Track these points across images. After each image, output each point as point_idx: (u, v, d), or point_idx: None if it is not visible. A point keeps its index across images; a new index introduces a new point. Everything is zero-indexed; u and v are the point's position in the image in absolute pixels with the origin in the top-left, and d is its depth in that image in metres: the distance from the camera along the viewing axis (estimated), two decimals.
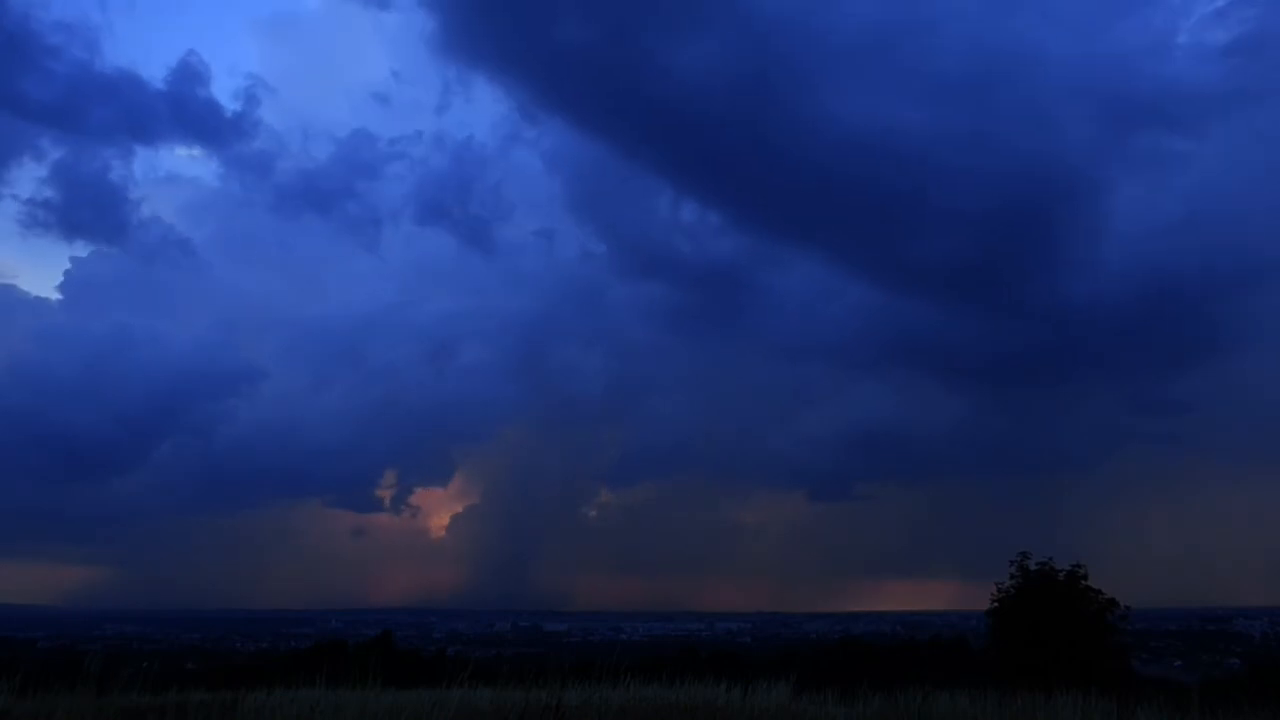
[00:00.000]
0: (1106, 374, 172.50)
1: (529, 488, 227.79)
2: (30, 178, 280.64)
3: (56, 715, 9.97)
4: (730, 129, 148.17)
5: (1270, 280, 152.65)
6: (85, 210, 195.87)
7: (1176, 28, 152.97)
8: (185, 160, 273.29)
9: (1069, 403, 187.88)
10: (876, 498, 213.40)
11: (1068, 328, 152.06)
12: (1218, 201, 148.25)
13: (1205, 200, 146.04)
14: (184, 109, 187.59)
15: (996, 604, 18.81)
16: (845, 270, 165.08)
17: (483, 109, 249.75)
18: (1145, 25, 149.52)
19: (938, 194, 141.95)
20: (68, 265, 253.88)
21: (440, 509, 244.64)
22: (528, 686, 11.81)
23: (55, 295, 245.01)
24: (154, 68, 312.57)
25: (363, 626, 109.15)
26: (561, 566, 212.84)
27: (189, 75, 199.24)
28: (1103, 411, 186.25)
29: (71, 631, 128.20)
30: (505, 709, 10.79)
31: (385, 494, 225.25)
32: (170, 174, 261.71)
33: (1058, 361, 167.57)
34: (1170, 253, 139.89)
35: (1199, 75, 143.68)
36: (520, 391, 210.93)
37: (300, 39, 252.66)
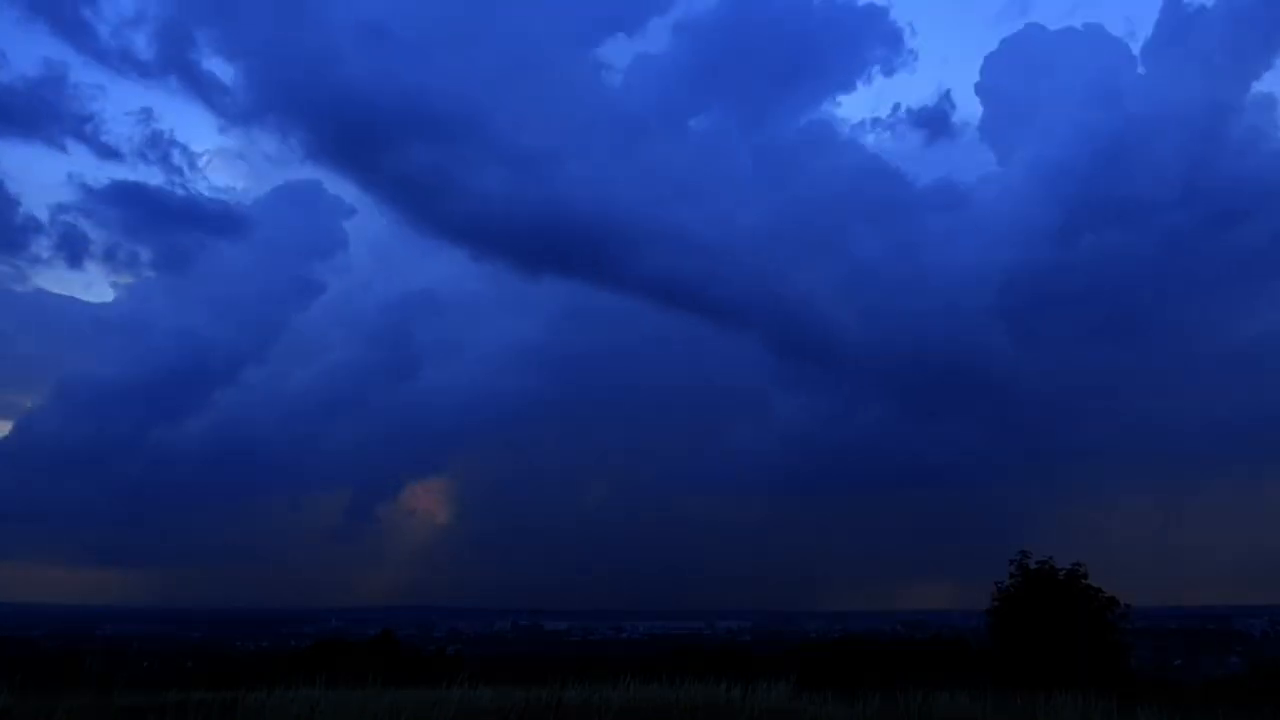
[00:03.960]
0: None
1: (528, 485, 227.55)
2: None
3: (57, 714, 9.97)
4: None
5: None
6: None
7: None
8: None
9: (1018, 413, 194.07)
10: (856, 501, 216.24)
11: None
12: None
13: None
14: None
15: (997, 603, 18.81)
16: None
17: None
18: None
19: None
20: None
21: (440, 506, 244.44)
22: (528, 685, 11.82)
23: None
24: None
25: (363, 625, 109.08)
26: (562, 564, 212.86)
27: None
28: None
29: (71, 631, 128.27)
30: (506, 708, 10.80)
31: (386, 490, 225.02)
32: None
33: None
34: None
35: None
36: (523, 391, 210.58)
37: None
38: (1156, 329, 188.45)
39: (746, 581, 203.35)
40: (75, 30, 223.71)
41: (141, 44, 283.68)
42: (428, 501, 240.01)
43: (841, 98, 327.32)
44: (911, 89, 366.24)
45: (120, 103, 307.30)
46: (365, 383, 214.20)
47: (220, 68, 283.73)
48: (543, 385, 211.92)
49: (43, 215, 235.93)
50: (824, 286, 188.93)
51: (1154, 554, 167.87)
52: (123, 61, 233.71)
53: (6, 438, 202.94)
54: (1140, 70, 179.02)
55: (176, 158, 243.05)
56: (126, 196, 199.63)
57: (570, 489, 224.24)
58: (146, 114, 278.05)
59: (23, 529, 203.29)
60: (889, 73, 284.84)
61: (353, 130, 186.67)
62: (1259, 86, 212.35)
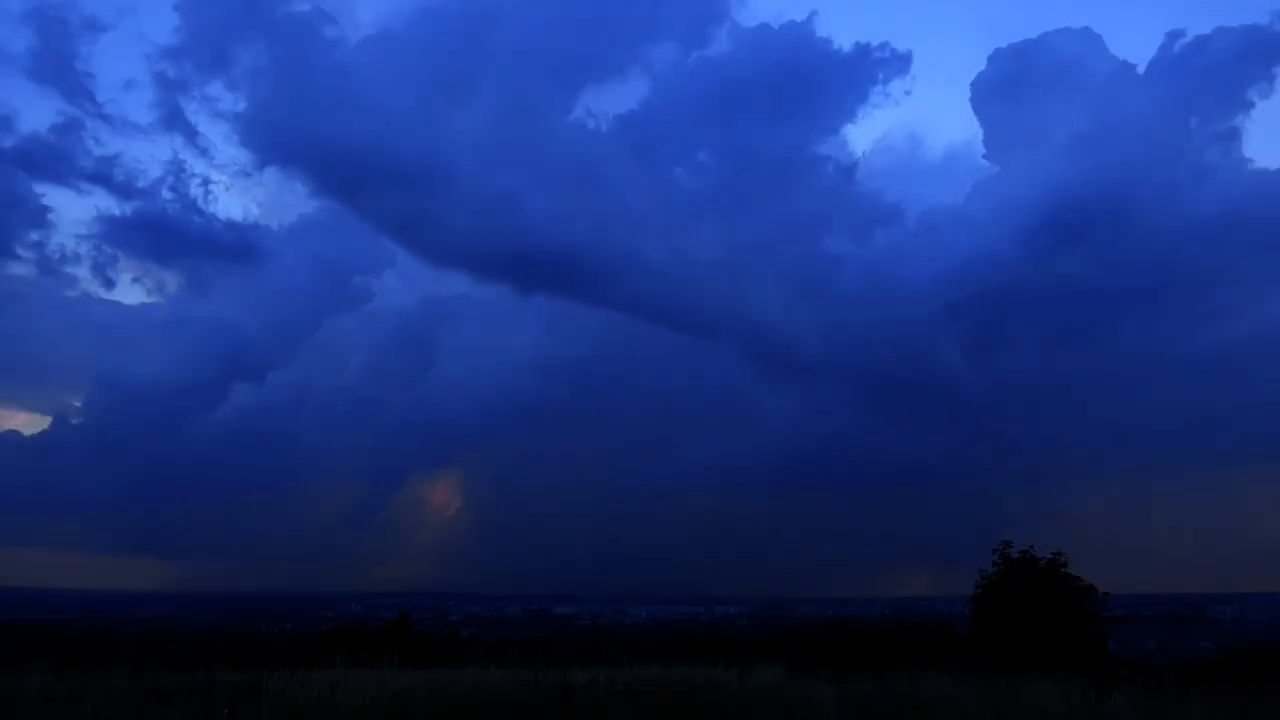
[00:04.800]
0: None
1: (537, 479, 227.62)
2: None
3: (91, 694, 9.98)
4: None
5: None
6: None
7: None
8: None
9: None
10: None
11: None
12: None
13: None
14: None
15: (980, 590, 18.79)
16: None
17: None
18: None
19: None
20: None
21: (455, 497, 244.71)
22: (538, 667, 11.83)
23: None
24: None
25: (382, 610, 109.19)
26: (570, 553, 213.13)
27: None
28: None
29: (104, 615, 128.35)
30: (517, 687, 10.80)
31: (404, 483, 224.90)
32: None
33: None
34: None
35: None
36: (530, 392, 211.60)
37: None
38: (1124, 335, 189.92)
39: (743, 570, 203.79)
40: (77, 94, 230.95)
41: (138, 108, 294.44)
42: (443, 493, 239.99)
43: (848, 128, 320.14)
44: (904, 123, 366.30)
45: (141, 146, 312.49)
46: (385, 383, 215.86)
47: (216, 127, 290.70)
48: (548, 388, 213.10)
49: (76, 245, 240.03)
50: (811, 303, 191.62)
51: (1129, 545, 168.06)
52: (124, 125, 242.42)
53: (45, 431, 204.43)
54: (1119, 97, 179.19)
55: (194, 189, 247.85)
56: (155, 228, 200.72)
57: (576, 483, 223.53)
58: (173, 155, 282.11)
59: (57, 518, 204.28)
60: (882, 107, 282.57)
61: (358, 177, 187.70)
62: (1230, 121, 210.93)
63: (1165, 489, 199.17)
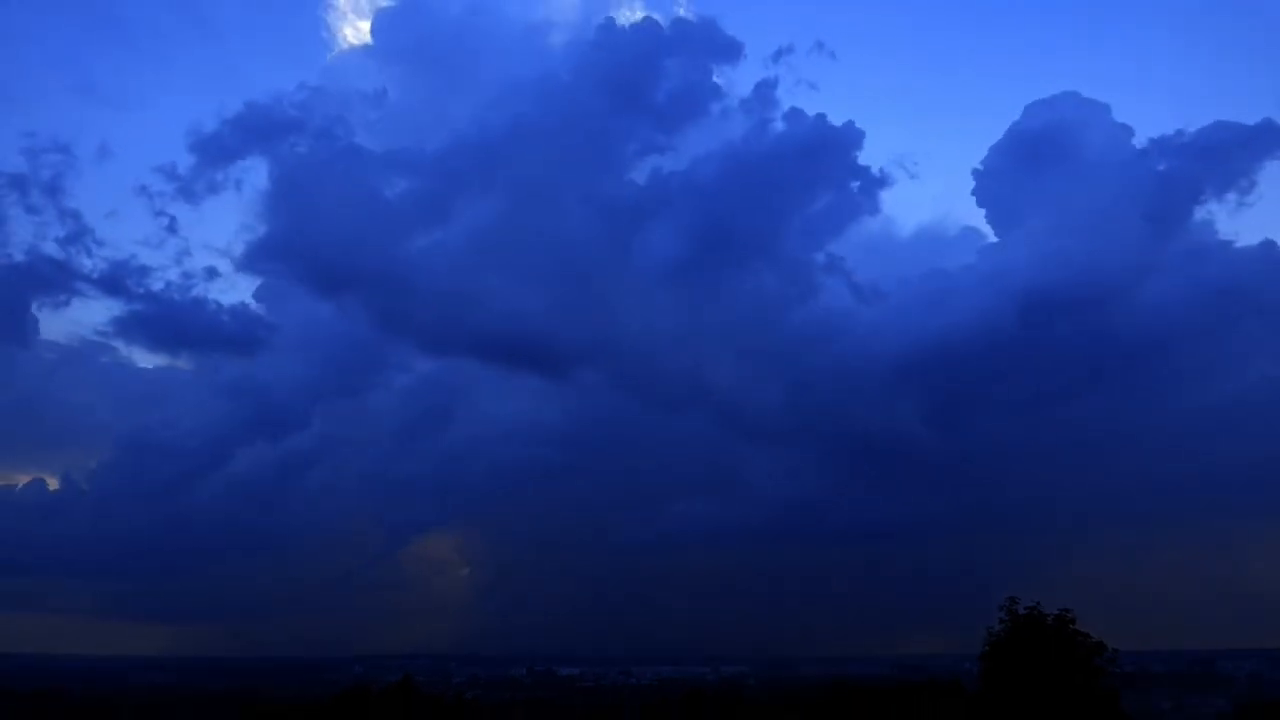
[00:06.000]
0: None
1: (541, 541, 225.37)
2: None
3: None
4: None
5: None
6: None
7: None
8: None
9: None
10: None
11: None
12: None
13: None
14: None
15: (989, 648, 18.47)
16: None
17: None
18: None
19: None
20: None
21: (458, 559, 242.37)
22: None
23: None
24: None
25: (385, 672, 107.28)
26: (574, 613, 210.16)
27: None
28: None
29: (103, 681, 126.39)
30: None
31: (407, 545, 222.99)
32: None
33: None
34: None
35: None
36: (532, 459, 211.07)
37: None
38: (1120, 395, 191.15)
39: (746, 628, 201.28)
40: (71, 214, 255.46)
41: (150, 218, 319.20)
42: (446, 555, 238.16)
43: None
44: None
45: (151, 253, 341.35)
46: (389, 451, 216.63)
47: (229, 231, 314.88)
48: (549, 455, 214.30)
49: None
50: (810, 372, 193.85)
51: (1136, 599, 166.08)
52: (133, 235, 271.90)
53: (55, 491, 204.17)
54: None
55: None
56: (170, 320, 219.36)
57: (580, 544, 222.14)
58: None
59: (61, 582, 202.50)
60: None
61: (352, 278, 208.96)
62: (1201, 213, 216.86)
63: (1166, 545, 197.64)
